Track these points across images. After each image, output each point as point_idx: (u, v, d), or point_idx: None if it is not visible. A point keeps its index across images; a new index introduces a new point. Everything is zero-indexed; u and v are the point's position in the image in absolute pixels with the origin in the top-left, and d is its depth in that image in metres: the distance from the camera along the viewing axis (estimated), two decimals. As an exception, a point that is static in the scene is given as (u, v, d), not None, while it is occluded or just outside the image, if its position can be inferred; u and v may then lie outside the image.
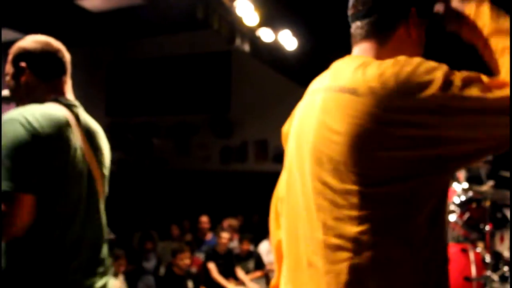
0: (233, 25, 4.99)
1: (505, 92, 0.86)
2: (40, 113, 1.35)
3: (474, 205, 3.15)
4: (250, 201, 7.25)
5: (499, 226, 3.08)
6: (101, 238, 1.52)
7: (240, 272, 5.47)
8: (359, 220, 0.91)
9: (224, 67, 8.47)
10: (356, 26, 1.09)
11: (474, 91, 0.86)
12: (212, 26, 4.70)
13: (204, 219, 6.48)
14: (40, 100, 1.46)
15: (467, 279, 2.83)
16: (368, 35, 1.06)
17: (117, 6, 6.57)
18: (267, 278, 5.58)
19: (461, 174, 3.55)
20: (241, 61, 7.78)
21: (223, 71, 8.47)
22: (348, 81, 0.95)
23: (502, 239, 3.07)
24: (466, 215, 3.15)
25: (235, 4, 4.70)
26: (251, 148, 8.25)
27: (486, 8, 1.01)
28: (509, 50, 0.93)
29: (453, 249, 2.96)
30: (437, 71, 0.88)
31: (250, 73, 7.95)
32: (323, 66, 1.14)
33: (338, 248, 0.94)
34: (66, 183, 1.38)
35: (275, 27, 5.41)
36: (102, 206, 1.55)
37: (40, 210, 1.31)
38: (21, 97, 1.51)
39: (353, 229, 0.92)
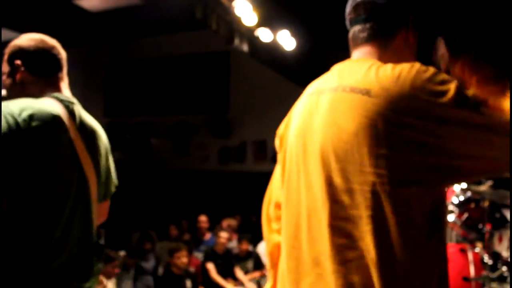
0: (232, 25, 4.99)
1: (507, 116, 0.88)
2: (28, 106, 1.29)
3: (472, 205, 3.15)
4: (248, 201, 7.22)
5: (498, 226, 3.07)
6: (88, 241, 1.43)
7: (239, 272, 5.46)
8: (366, 220, 0.92)
9: (223, 67, 8.46)
10: (356, 30, 1.10)
11: (482, 108, 0.89)
12: (211, 26, 4.70)
13: (203, 218, 6.47)
14: (36, 96, 1.42)
15: (466, 279, 2.83)
16: (370, 39, 1.08)
17: (116, 6, 6.57)
18: (266, 278, 5.58)
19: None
20: (240, 61, 7.78)
21: (222, 71, 8.47)
22: (361, 82, 0.97)
23: (500, 239, 3.07)
24: (465, 215, 3.15)
25: (234, 4, 4.70)
26: (249, 148, 8.24)
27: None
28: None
29: (451, 249, 2.96)
30: (451, 83, 0.91)
31: (249, 73, 7.95)
32: (322, 66, 1.15)
33: (346, 247, 0.95)
34: (49, 183, 1.31)
35: (274, 27, 5.42)
36: (93, 209, 1.46)
37: (16, 209, 1.25)
38: (17, 95, 1.47)
39: (360, 229, 0.93)
